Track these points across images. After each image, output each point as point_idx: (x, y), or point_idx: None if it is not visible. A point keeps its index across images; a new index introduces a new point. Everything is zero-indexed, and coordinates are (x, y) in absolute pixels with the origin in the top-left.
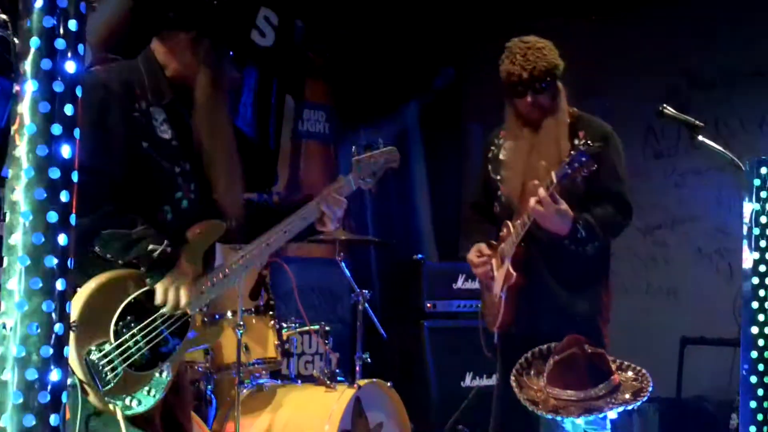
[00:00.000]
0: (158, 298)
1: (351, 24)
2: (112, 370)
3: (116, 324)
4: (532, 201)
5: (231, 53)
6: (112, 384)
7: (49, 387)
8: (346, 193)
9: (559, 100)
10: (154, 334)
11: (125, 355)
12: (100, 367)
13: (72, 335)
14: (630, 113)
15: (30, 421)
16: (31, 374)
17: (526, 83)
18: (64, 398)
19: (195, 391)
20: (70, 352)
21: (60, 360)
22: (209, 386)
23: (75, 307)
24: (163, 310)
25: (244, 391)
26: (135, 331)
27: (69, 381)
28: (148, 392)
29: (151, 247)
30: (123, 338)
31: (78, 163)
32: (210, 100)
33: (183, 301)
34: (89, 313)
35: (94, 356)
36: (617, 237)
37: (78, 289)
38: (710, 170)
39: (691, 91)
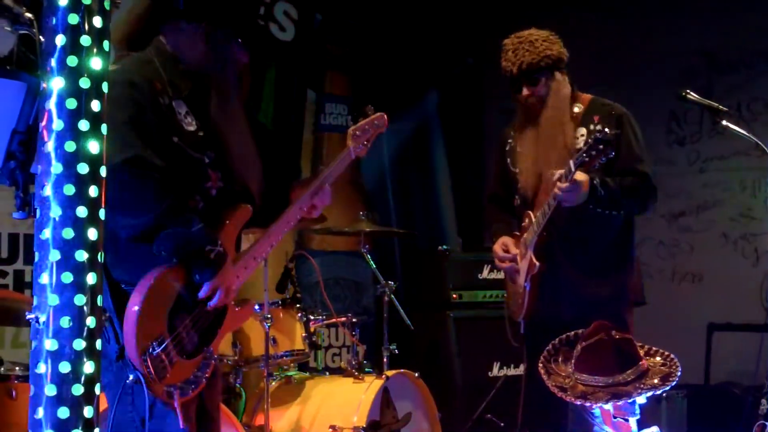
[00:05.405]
0: (204, 295)
1: (370, 15)
2: (170, 361)
3: (170, 317)
4: (556, 189)
5: (239, 40)
6: (169, 374)
7: (82, 379)
8: (347, 162)
9: (558, 89)
10: (200, 322)
11: (180, 346)
12: (160, 361)
13: (134, 332)
14: (651, 99)
15: (64, 413)
16: (65, 367)
17: (517, 78)
18: (97, 390)
19: (224, 384)
20: (133, 349)
21: (92, 352)
22: (238, 379)
23: (135, 304)
24: (209, 305)
25: (273, 383)
26: (187, 322)
27: (131, 377)
28: (196, 375)
29: (208, 248)
30: (177, 330)
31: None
32: (222, 104)
33: (227, 300)
34: (148, 309)
35: (155, 351)
36: (645, 208)
37: (136, 284)
38: (734, 155)
39: (711, 73)
